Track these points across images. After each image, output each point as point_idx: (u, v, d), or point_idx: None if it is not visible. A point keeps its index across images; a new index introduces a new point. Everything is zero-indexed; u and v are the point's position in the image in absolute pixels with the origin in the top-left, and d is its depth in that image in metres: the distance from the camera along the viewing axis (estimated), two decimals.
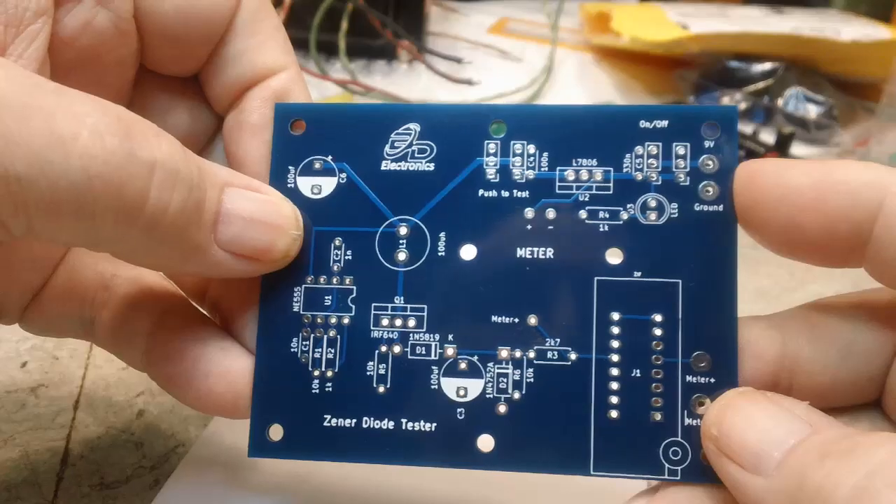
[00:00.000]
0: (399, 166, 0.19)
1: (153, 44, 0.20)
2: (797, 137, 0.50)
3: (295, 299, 0.19)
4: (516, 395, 0.18)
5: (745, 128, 0.50)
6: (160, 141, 0.16)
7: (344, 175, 0.19)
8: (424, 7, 0.56)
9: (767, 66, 0.55)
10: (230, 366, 0.19)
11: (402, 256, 0.19)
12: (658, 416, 0.17)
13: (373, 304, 0.19)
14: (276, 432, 0.19)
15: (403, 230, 0.19)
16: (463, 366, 0.18)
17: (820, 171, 0.16)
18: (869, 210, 0.16)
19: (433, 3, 0.62)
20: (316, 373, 0.19)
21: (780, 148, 0.48)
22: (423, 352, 0.19)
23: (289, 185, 0.19)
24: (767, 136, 0.49)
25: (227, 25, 0.20)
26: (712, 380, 0.17)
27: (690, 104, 0.17)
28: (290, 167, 0.20)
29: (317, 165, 0.19)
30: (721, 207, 0.18)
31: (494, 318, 0.18)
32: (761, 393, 0.16)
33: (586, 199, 0.18)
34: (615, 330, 0.18)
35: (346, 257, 0.19)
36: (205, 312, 0.21)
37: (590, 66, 0.60)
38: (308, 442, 0.19)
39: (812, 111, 0.52)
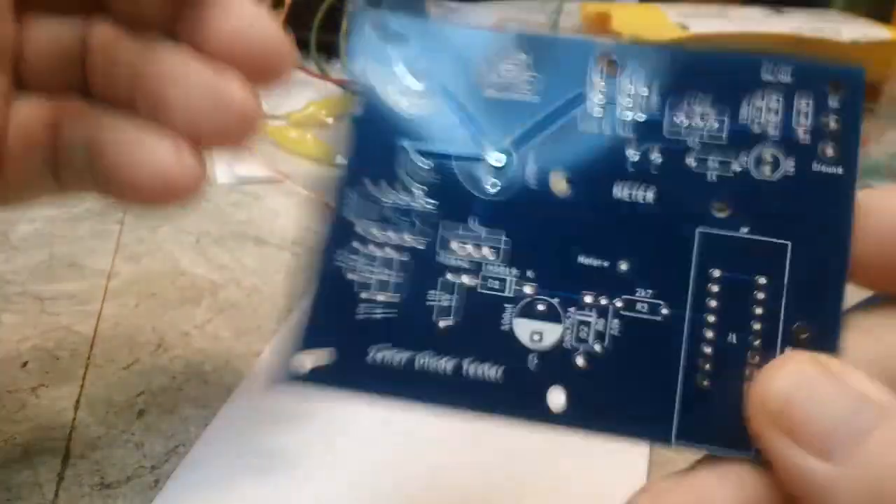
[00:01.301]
0: (502, 95, 0.18)
1: None
2: None
3: (370, 216, 0.17)
4: (597, 348, 0.17)
5: None
6: None
7: (440, 95, 0.18)
8: (424, 7, 0.56)
9: None
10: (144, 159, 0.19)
11: (490, 184, 0.17)
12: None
13: (445, 225, 0.17)
14: (314, 358, 0.17)
15: (496, 158, 0.17)
16: (541, 307, 0.17)
17: None
18: None
19: (433, 3, 0.62)
20: (371, 296, 0.17)
21: None
22: (497, 286, 0.17)
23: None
24: None
25: None
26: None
27: (817, 61, 0.16)
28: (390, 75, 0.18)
29: (412, 82, 0.18)
30: (840, 170, 0.17)
31: (582, 259, 0.17)
32: (834, 361, 0.15)
33: (697, 145, 0.17)
34: (714, 288, 0.17)
35: (433, 179, 0.17)
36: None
37: None
38: (352, 374, 0.17)
39: None
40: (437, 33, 0.18)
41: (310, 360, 0.17)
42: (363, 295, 0.17)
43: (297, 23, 0.51)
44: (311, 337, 0.17)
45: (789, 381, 0.15)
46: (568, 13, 0.64)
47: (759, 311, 0.16)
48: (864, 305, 0.17)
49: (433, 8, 0.61)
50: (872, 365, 0.16)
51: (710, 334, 0.16)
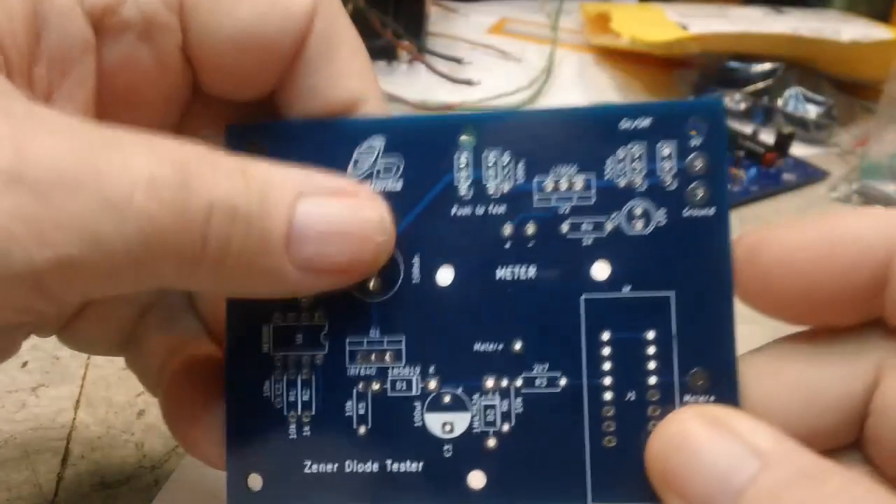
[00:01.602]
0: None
1: (208, 75, 0.18)
2: (797, 138, 0.50)
3: (264, 340, 0.18)
4: (505, 428, 0.17)
5: (745, 128, 0.50)
6: (217, 176, 0.15)
7: None
8: (424, 7, 0.56)
9: (767, 66, 0.55)
10: None
11: (374, 286, 0.18)
12: None
13: (347, 340, 0.18)
14: (255, 482, 0.18)
15: None
16: (447, 399, 0.17)
17: (824, 224, 0.16)
18: (883, 251, 0.15)
19: (433, 3, 0.62)
20: (292, 416, 0.18)
21: (780, 148, 0.48)
22: (404, 387, 0.18)
23: None
24: (767, 137, 0.49)
25: (295, 53, 0.18)
26: (712, 397, 0.17)
27: (674, 102, 0.16)
28: None
29: None
30: (712, 211, 0.17)
31: (477, 346, 0.17)
32: (716, 414, 0.15)
33: (567, 210, 0.17)
34: (606, 351, 0.17)
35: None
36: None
37: (589, 66, 0.60)
38: (290, 490, 0.18)
39: (812, 111, 0.52)
40: (297, 131, 0.18)
41: (253, 481, 0.18)
42: (289, 417, 0.18)
43: None
44: (247, 462, 0.18)
45: (669, 442, 0.15)
46: (568, 13, 0.64)
47: (653, 365, 0.17)
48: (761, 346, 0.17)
49: (433, 8, 0.62)
50: (772, 400, 0.16)
51: (608, 396, 0.17)
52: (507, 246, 0.17)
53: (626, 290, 0.17)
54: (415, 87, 0.54)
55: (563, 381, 0.17)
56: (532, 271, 0.17)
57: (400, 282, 0.18)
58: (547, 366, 0.17)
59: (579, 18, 0.65)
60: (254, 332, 0.18)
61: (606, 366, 0.17)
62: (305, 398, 0.18)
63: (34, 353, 0.29)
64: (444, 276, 0.18)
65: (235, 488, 0.18)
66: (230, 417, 0.18)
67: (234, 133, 0.18)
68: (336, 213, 0.16)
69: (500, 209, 0.17)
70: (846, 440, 0.17)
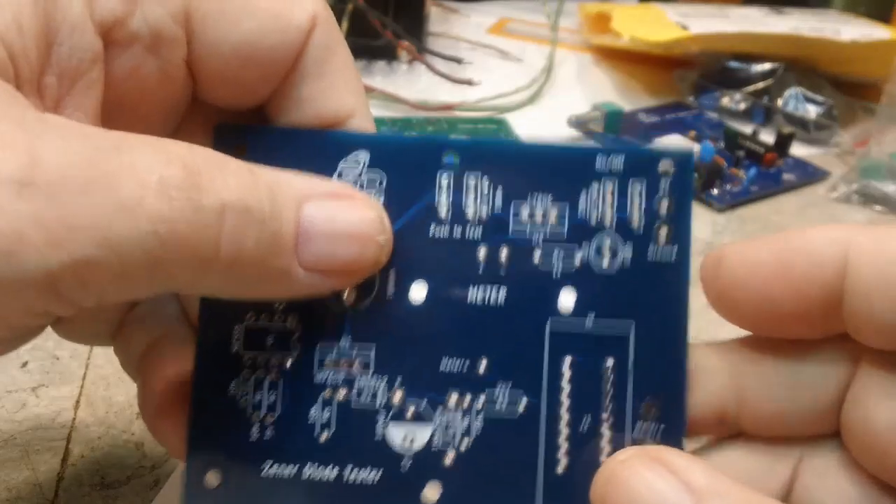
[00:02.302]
0: None
1: (208, 85, 0.19)
2: (797, 138, 0.50)
3: (234, 339, 0.18)
4: (463, 446, 0.18)
5: (745, 128, 0.50)
6: (226, 177, 0.15)
7: None
8: (424, 7, 0.56)
9: (767, 66, 0.55)
10: None
11: (348, 296, 0.18)
12: None
13: (317, 346, 0.18)
14: (212, 479, 0.18)
15: None
16: (410, 412, 0.18)
17: (781, 241, 0.16)
18: (835, 267, 0.16)
19: (433, 3, 0.62)
20: (255, 417, 0.18)
21: (780, 148, 0.48)
22: (369, 397, 0.18)
23: None
24: (767, 137, 0.49)
25: (291, 66, 0.18)
26: (662, 426, 0.17)
27: (647, 147, 0.17)
28: None
29: None
30: (674, 250, 0.18)
31: (444, 363, 0.18)
32: (654, 454, 0.15)
33: (540, 240, 0.18)
34: (566, 376, 0.18)
35: (300, 303, 0.18)
36: None
37: (589, 66, 0.60)
38: (247, 490, 0.18)
39: (812, 111, 0.52)
40: (283, 137, 0.18)
41: (211, 479, 0.18)
42: (252, 417, 0.18)
43: None
44: (207, 458, 0.18)
45: (608, 481, 0.15)
46: (568, 13, 0.64)
47: (609, 392, 0.18)
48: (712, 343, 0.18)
49: (433, 8, 0.62)
50: (754, 381, 0.17)
51: (565, 421, 0.18)
52: (481, 269, 0.18)
53: (590, 319, 0.18)
54: (415, 87, 0.54)
55: (522, 404, 0.18)
56: (502, 295, 0.18)
57: (374, 294, 0.18)
58: (509, 387, 0.18)
59: (579, 18, 0.65)
60: (225, 330, 0.18)
61: (566, 391, 0.18)
62: (271, 400, 0.18)
63: (34, 353, 0.29)
64: (418, 292, 0.18)
65: (192, 484, 0.18)
66: (194, 413, 0.18)
67: (223, 132, 0.18)
68: (339, 214, 0.17)
69: (477, 233, 0.18)
70: (828, 428, 0.17)
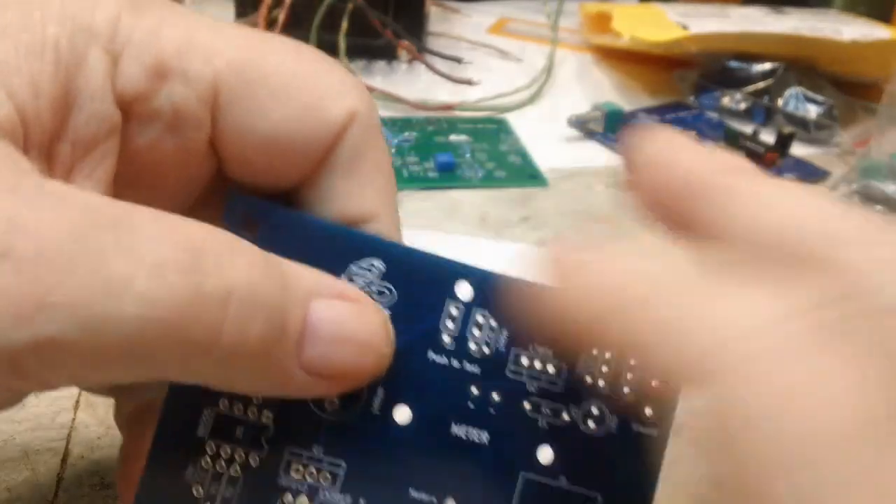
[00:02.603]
0: None
1: (232, 165, 0.18)
2: (797, 137, 0.50)
3: (202, 422, 0.17)
4: None
5: (746, 128, 0.50)
6: (235, 260, 0.14)
7: None
8: (424, 7, 0.56)
9: (767, 66, 0.55)
10: None
11: (330, 405, 0.17)
12: None
13: (288, 448, 0.17)
14: None
15: None
16: None
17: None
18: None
19: (433, 2, 0.62)
20: None
21: (780, 148, 0.48)
22: None
23: None
24: (767, 137, 0.49)
25: (322, 160, 0.18)
26: None
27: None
28: None
29: None
30: (655, 433, 0.18)
31: (412, 493, 0.17)
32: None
33: (534, 389, 0.18)
34: None
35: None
36: None
37: (590, 66, 0.60)
38: None
39: (812, 111, 0.52)
40: (297, 223, 0.18)
41: None
42: None
43: (297, 23, 0.51)
44: None
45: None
46: (568, 13, 0.64)
47: None
48: None
49: (433, 8, 0.62)
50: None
51: None
52: (471, 406, 0.18)
53: (562, 481, 0.18)
54: (415, 86, 0.54)
55: None
56: (485, 436, 0.18)
57: (358, 408, 0.18)
58: None
59: (579, 18, 0.65)
60: (194, 408, 0.17)
61: None
62: (226, 495, 0.17)
63: None
64: (403, 415, 0.18)
65: None
66: (143, 484, 0.17)
67: (236, 206, 0.18)
68: (348, 317, 0.16)
69: (474, 369, 0.18)
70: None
